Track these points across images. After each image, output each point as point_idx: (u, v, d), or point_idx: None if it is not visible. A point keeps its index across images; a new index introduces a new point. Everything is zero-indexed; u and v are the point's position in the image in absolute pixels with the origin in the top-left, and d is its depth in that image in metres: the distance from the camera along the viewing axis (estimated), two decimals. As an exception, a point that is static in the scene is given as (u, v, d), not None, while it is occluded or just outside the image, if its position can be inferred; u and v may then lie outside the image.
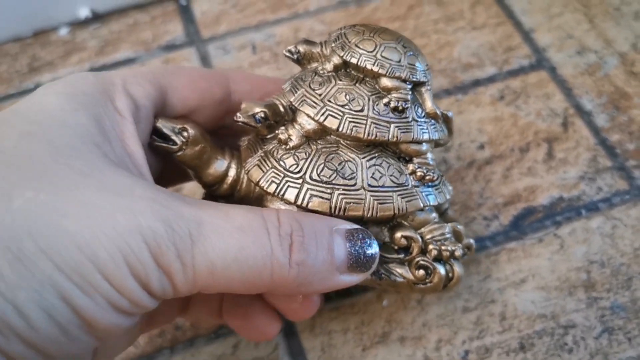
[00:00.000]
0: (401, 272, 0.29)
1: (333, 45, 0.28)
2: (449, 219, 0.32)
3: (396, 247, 0.29)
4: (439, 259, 0.29)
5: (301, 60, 0.29)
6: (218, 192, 0.29)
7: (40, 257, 0.19)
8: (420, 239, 0.29)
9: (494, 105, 0.42)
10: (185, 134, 0.27)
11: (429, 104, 0.29)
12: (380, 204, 0.27)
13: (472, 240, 0.31)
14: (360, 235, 0.26)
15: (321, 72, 0.28)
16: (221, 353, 0.33)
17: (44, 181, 0.20)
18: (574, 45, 0.45)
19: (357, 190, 0.27)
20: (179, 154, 0.27)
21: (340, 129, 0.27)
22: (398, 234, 0.29)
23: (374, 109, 0.27)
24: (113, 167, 0.22)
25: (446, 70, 0.44)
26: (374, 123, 0.27)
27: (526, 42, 0.46)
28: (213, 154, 0.28)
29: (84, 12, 0.48)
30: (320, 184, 0.27)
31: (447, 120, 0.31)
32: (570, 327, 0.33)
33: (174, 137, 0.27)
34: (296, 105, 0.27)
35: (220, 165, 0.28)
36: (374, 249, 0.26)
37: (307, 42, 0.29)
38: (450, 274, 0.29)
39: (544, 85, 0.43)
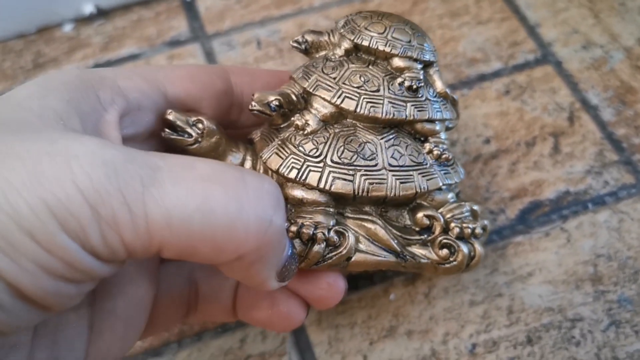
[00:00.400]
0: (424, 253, 0.29)
1: (342, 30, 0.29)
2: (463, 201, 0.32)
3: (417, 229, 0.29)
4: (460, 237, 0.29)
5: (309, 49, 0.30)
6: None
7: None
8: (441, 218, 0.29)
9: (499, 100, 0.42)
10: (200, 125, 0.27)
11: (439, 84, 0.29)
12: (402, 183, 0.27)
13: (486, 222, 0.31)
14: (292, 242, 0.25)
15: (332, 57, 0.28)
16: (229, 347, 0.33)
17: None
18: (579, 39, 0.45)
19: (379, 170, 0.27)
20: (195, 146, 0.27)
21: (358, 110, 0.27)
22: (420, 214, 0.29)
23: (389, 88, 0.27)
24: (67, 129, 0.20)
25: (451, 65, 0.44)
26: (391, 102, 0.27)
27: (531, 36, 0.46)
28: (228, 146, 0.28)
29: (88, 8, 0.48)
30: (342, 166, 0.27)
31: (453, 103, 0.31)
32: (577, 321, 0.33)
33: (188, 129, 0.26)
34: (311, 90, 0.27)
35: (235, 158, 0.28)
36: (296, 263, 0.25)
37: (314, 32, 0.30)
38: (472, 253, 0.29)
39: (550, 79, 0.43)
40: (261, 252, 0.22)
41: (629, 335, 0.33)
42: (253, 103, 0.27)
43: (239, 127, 0.31)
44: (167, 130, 0.27)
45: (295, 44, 0.29)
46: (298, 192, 0.27)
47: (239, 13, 0.49)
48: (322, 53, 0.29)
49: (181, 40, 0.47)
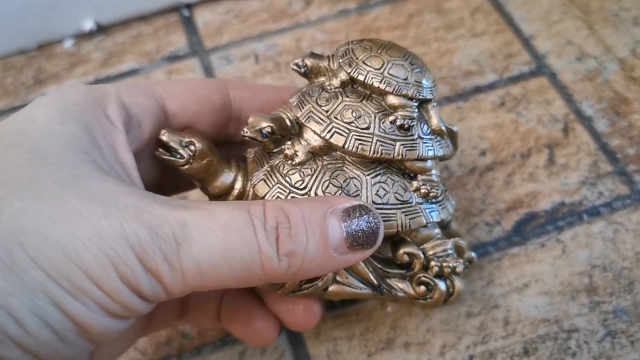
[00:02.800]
0: (402, 287, 0.29)
1: (340, 61, 0.28)
2: (452, 232, 0.32)
3: (398, 262, 0.29)
4: (440, 275, 0.29)
5: (308, 74, 0.30)
6: None
7: (31, 265, 0.20)
8: (422, 255, 0.29)
9: (494, 112, 0.43)
10: (192, 147, 0.27)
11: (434, 121, 0.29)
12: (383, 221, 0.27)
13: (473, 254, 0.31)
14: (358, 212, 0.25)
15: (328, 87, 0.28)
16: (228, 361, 0.34)
17: (30, 191, 0.21)
18: (573, 51, 0.46)
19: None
20: (186, 167, 0.28)
21: (346, 147, 0.27)
22: (401, 251, 0.29)
23: (380, 126, 0.27)
24: (99, 174, 0.22)
25: (447, 78, 0.45)
26: (380, 141, 0.27)
27: (526, 48, 0.46)
28: (220, 166, 0.28)
29: (88, 25, 0.49)
30: None
31: (452, 135, 0.31)
32: (573, 332, 0.34)
33: (181, 151, 0.27)
34: (303, 121, 0.28)
35: (226, 178, 0.29)
36: (373, 224, 0.25)
37: (314, 55, 0.29)
38: (450, 289, 0.30)
39: (545, 91, 0.44)
40: (285, 276, 0.24)
41: (624, 346, 0.33)
42: (245, 129, 0.27)
43: (237, 142, 0.32)
44: (160, 149, 0.27)
45: (295, 67, 0.30)
46: None
47: (237, 28, 0.49)
48: (321, 79, 0.29)
49: (180, 55, 0.48)
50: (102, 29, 0.50)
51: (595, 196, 0.39)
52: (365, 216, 0.25)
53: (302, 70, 0.29)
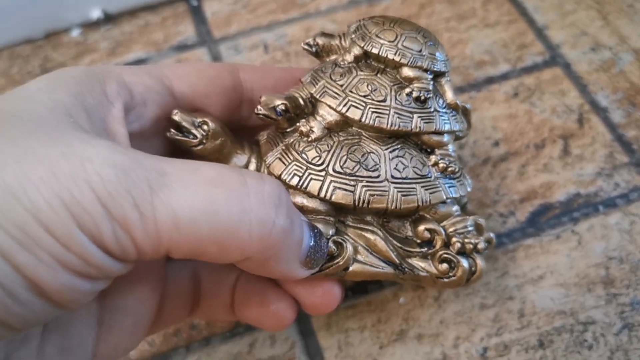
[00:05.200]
0: (424, 265, 0.28)
1: (353, 36, 0.28)
2: (469, 213, 0.31)
3: (419, 241, 0.29)
4: (462, 252, 0.29)
5: (320, 53, 0.29)
6: None
7: None
8: (443, 232, 0.28)
9: (508, 103, 0.42)
10: (205, 127, 0.27)
11: (449, 95, 0.28)
12: (403, 195, 0.27)
13: (492, 234, 0.30)
14: (317, 231, 0.25)
15: (341, 63, 0.28)
16: (237, 351, 0.33)
17: None
18: (588, 41, 0.45)
19: (381, 182, 0.27)
20: (199, 147, 0.27)
21: (362, 120, 0.26)
22: (421, 227, 0.28)
23: (396, 99, 0.27)
24: (78, 129, 0.20)
25: (459, 68, 0.44)
26: (397, 113, 0.27)
27: (540, 39, 0.45)
28: (233, 148, 0.28)
29: (95, 14, 0.48)
30: (344, 176, 0.26)
31: (465, 113, 0.30)
32: (589, 324, 0.33)
33: (193, 131, 0.27)
34: (317, 96, 0.27)
35: (240, 159, 0.28)
36: (326, 249, 0.26)
37: (325, 34, 0.29)
38: (473, 268, 0.29)
39: (559, 82, 0.43)
40: (269, 252, 0.22)
41: (642, 339, 0.32)
42: (259, 107, 0.27)
43: (250, 125, 0.31)
44: (172, 130, 0.27)
45: (306, 47, 0.29)
46: (299, 199, 0.27)
47: (246, 17, 0.49)
48: (333, 57, 0.29)
49: (188, 45, 0.47)
50: (109, 18, 0.49)
51: (611, 187, 0.38)
52: (323, 237, 0.26)
53: (314, 49, 0.29)
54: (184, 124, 0.26)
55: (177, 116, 0.26)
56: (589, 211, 0.37)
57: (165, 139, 0.27)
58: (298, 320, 0.34)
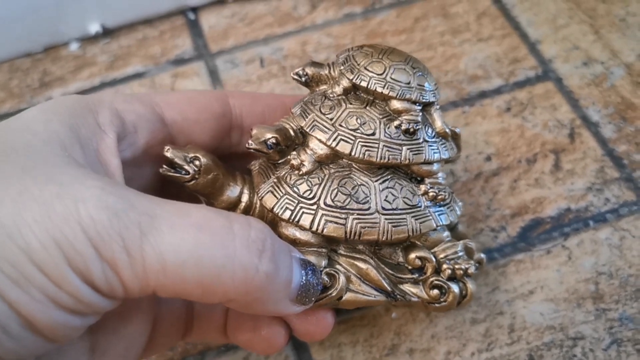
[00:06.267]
0: (415, 291, 0.29)
1: (342, 68, 0.28)
2: (460, 234, 0.32)
3: (410, 268, 0.29)
4: (452, 277, 0.29)
5: (309, 82, 0.30)
6: None
7: None
8: (434, 259, 0.29)
9: (500, 117, 0.43)
10: (197, 162, 0.27)
11: (438, 124, 0.29)
12: (394, 227, 0.27)
13: (482, 255, 0.31)
14: (311, 268, 0.26)
15: (331, 95, 0.28)
16: (231, 366, 0.34)
17: None
18: (580, 56, 0.45)
19: (372, 214, 0.27)
20: (192, 183, 0.27)
21: (352, 154, 0.27)
22: (412, 255, 0.29)
23: (385, 132, 0.27)
24: (72, 165, 0.21)
25: (452, 82, 0.45)
26: (386, 146, 0.27)
27: (532, 53, 0.46)
28: (225, 180, 0.28)
29: (94, 28, 0.49)
30: (335, 209, 0.27)
31: (455, 137, 0.31)
32: (579, 339, 0.33)
33: (186, 167, 0.27)
34: (307, 130, 0.28)
35: (232, 191, 0.28)
36: (320, 285, 0.26)
37: (315, 64, 0.29)
38: (463, 292, 0.30)
39: (551, 96, 0.43)
40: (253, 295, 0.23)
41: (630, 354, 0.33)
42: (250, 142, 0.27)
43: (240, 151, 0.31)
44: (164, 166, 0.27)
45: (295, 77, 0.29)
46: (291, 232, 0.27)
47: (242, 31, 0.49)
48: (323, 87, 0.29)
49: (185, 59, 0.48)
50: (107, 32, 0.50)
51: (602, 202, 0.38)
52: (317, 273, 0.26)
53: (303, 79, 0.29)
54: (176, 160, 0.27)
55: (169, 153, 0.27)
56: (579, 226, 0.37)
57: (156, 165, 0.28)
58: (292, 335, 0.34)
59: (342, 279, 0.27)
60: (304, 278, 0.25)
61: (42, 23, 0.47)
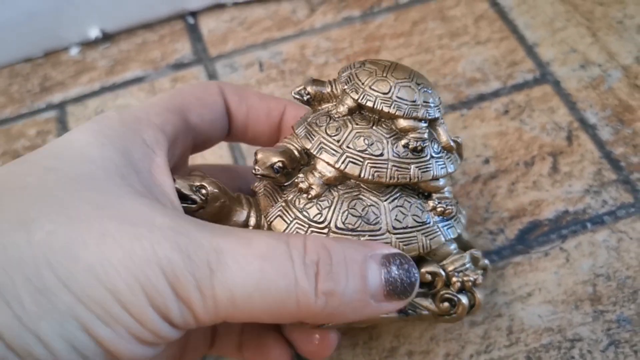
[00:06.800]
0: (426, 305, 0.29)
1: (345, 87, 0.28)
2: (465, 243, 0.32)
3: (420, 282, 0.29)
4: (461, 289, 0.29)
5: (311, 101, 0.29)
6: None
7: (60, 288, 0.19)
8: (443, 273, 0.29)
9: (498, 120, 0.43)
10: (203, 191, 0.27)
11: (444, 138, 0.28)
12: (405, 245, 0.27)
13: (487, 261, 0.31)
14: (398, 261, 0.25)
15: (335, 115, 0.28)
16: (232, 369, 0.34)
17: (62, 214, 0.20)
18: (577, 59, 0.46)
19: (383, 234, 0.27)
20: (199, 212, 0.27)
21: (362, 176, 0.27)
22: (422, 270, 0.29)
23: (393, 151, 0.27)
24: (135, 197, 0.22)
25: (451, 86, 0.45)
26: (395, 166, 0.27)
27: (530, 56, 0.46)
28: (232, 205, 0.28)
29: (94, 32, 0.49)
30: (346, 232, 0.27)
31: (457, 147, 0.31)
32: (576, 341, 0.34)
33: (192, 196, 0.26)
34: (314, 153, 0.27)
35: (239, 216, 0.28)
36: (412, 275, 0.25)
37: (316, 82, 0.29)
38: (472, 302, 0.30)
39: (548, 99, 0.44)
40: (321, 315, 0.23)
41: (628, 355, 0.33)
42: (256, 167, 0.27)
43: (232, 141, 0.32)
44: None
45: (297, 96, 0.29)
46: None
47: (241, 35, 0.50)
48: (325, 105, 0.29)
49: (185, 63, 0.48)
50: (107, 37, 0.50)
51: (599, 204, 0.39)
52: (405, 265, 0.25)
53: (305, 98, 0.29)
54: (183, 190, 0.26)
55: (177, 184, 0.26)
56: (577, 228, 0.38)
57: (181, 164, 0.28)
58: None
59: None
60: (384, 276, 0.24)
61: (42, 28, 0.48)
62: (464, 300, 0.29)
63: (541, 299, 0.35)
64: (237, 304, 0.21)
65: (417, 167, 0.27)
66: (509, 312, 0.35)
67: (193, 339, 0.31)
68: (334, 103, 0.29)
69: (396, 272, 0.24)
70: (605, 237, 0.37)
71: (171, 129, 0.26)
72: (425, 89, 0.28)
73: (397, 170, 0.27)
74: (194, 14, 0.51)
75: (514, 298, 0.35)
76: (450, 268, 0.29)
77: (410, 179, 0.27)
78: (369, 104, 0.27)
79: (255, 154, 0.27)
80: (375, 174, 0.27)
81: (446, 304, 0.29)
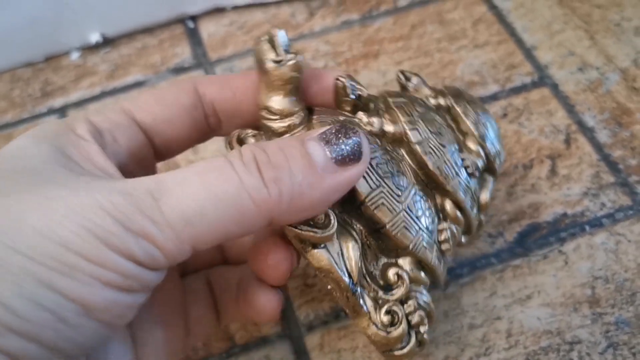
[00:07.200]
0: (370, 305, 0.27)
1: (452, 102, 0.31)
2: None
3: (382, 282, 0.28)
4: (409, 316, 0.28)
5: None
6: None
7: (9, 252, 0.19)
8: (408, 285, 0.28)
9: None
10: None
11: (486, 195, 0.30)
12: (404, 227, 0.27)
13: (426, 336, 0.29)
14: (334, 130, 0.25)
15: (422, 102, 0.30)
16: (233, 372, 0.34)
17: (1, 195, 0.21)
18: (575, 62, 0.46)
19: (397, 201, 0.27)
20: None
21: (417, 144, 0.28)
22: (393, 270, 0.28)
23: (452, 155, 0.29)
24: (76, 173, 0.22)
25: (450, 89, 0.45)
26: (446, 163, 0.28)
27: (528, 59, 0.46)
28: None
29: (94, 37, 0.49)
30: (372, 171, 0.27)
31: (479, 224, 0.32)
32: (575, 343, 0.34)
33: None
34: (393, 106, 0.29)
35: None
36: (355, 135, 0.25)
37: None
38: (405, 343, 0.27)
39: (547, 102, 0.44)
40: (284, 203, 0.23)
41: (626, 357, 0.33)
42: (343, 80, 0.28)
43: (223, 134, 0.31)
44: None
45: (401, 77, 0.32)
46: None
47: (241, 39, 0.50)
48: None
49: (185, 67, 0.49)
50: (108, 41, 0.50)
51: (598, 207, 0.39)
52: (342, 130, 0.25)
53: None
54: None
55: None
56: (576, 231, 0.38)
57: (144, 170, 0.28)
58: (292, 341, 0.35)
59: (335, 226, 0.26)
60: (326, 147, 0.24)
61: (43, 33, 0.48)
62: (405, 326, 0.27)
63: (540, 302, 0.35)
64: (194, 222, 0.21)
65: (460, 182, 0.29)
66: (508, 315, 0.35)
67: (194, 313, 0.31)
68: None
69: (337, 140, 0.24)
70: (604, 240, 0.37)
71: (107, 125, 0.26)
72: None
73: (446, 166, 0.28)
74: (193, 18, 0.51)
75: (513, 301, 0.36)
76: (414, 292, 0.28)
77: (448, 182, 0.28)
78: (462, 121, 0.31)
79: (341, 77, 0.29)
80: (429, 155, 0.28)
81: (387, 318, 0.27)
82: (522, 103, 0.44)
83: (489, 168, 0.30)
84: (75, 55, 0.50)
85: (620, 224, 0.38)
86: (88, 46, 0.50)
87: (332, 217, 0.26)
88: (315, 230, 0.25)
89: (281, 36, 0.27)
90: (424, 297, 0.29)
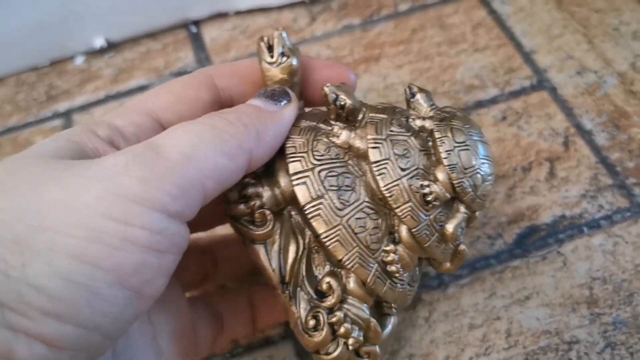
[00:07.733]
0: (302, 306, 0.27)
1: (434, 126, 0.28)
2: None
3: (317, 288, 0.28)
4: (335, 328, 0.27)
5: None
6: None
7: (34, 232, 0.19)
8: (340, 295, 0.27)
9: (496, 126, 0.44)
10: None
11: (452, 225, 0.28)
12: (338, 241, 0.27)
13: (378, 349, 0.29)
14: (267, 90, 0.28)
15: (403, 122, 0.29)
16: (236, 372, 0.35)
17: (15, 178, 0.21)
18: (574, 65, 0.46)
19: (337, 216, 0.27)
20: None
21: (373, 162, 0.27)
22: (328, 278, 0.28)
23: (411, 180, 0.27)
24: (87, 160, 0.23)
25: (449, 92, 0.46)
26: (401, 186, 0.27)
27: (527, 63, 0.47)
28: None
29: (99, 42, 0.50)
30: (318, 183, 0.27)
31: (456, 254, 0.30)
32: (574, 343, 0.34)
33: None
34: (367, 120, 0.28)
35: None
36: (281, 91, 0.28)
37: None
38: (331, 349, 0.28)
39: (545, 105, 0.44)
40: (255, 134, 0.25)
41: (624, 357, 0.34)
42: (327, 88, 0.28)
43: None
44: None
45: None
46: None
47: (244, 43, 0.50)
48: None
49: (188, 71, 0.49)
50: (112, 46, 0.51)
51: (596, 209, 0.39)
52: (272, 90, 0.28)
53: (411, 98, 0.30)
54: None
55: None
56: (574, 233, 0.38)
57: None
58: (295, 341, 0.35)
59: (269, 226, 0.27)
60: (262, 97, 0.28)
61: (48, 38, 0.49)
62: (328, 333, 0.27)
63: (539, 302, 0.36)
64: (192, 155, 0.23)
65: (412, 209, 0.27)
66: (508, 315, 0.36)
67: (229, 317, 0.33)
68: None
69: (267, 90, 0.28)
70: (602, 241, 0.38)
71: (133, 129, 0.27)
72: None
73: (398, 190, 0.27)
74: (196, 23, 0.52)
75: (512, 301, 0.36)
76: (346, 305, 0.28)
77: (398, 208, 0.27)
78: (440, 148, 0.28)
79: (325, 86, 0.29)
80: (382, 176, 0.27)
81: (312, 322, 0.27)
82: (521, 106, 0.45)
83: (459, 199, 0.28)
84: (79, 60, 0.50)
85: (617, 225, 0.39)
86: (92, 51, 0.51)
87: (268, 218, 0.27)
88: (250, 227, 0.27)
89: (282, 37, 0.28)
90: (361, 312, 0.28)
